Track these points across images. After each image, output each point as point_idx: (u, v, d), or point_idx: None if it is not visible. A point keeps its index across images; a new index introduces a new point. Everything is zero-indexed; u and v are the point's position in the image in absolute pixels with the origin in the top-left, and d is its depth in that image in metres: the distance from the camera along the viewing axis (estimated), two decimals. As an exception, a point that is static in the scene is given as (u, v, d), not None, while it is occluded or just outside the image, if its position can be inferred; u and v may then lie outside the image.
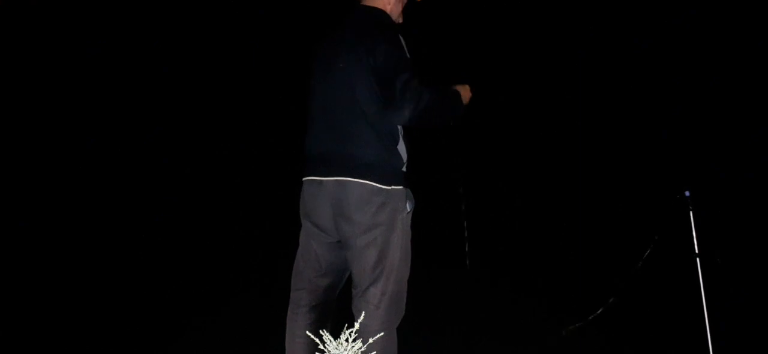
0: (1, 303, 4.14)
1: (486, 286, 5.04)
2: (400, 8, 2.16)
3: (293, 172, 2.27)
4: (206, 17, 5.30)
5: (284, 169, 3.54)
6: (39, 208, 5.04)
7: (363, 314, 1.65)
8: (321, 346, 1.41)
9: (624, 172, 5.47)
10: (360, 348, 1.40)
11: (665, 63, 5.25)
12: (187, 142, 5.52)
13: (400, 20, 2.19)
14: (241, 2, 5.34)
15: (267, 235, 5.27)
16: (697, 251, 2.85)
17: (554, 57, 5.73)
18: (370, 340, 1.48)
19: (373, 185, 1.94)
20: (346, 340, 1.40)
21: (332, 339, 1.40)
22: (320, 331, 1.44)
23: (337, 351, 1.39)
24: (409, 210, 2.02)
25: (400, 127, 2.01)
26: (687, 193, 2.91)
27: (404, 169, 2.03)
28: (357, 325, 1.42)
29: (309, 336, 1.59)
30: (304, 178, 2.09)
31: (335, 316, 2.10)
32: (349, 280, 2.07)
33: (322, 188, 2.01)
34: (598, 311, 3.68)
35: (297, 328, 2.05)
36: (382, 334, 1.75)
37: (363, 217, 1.94)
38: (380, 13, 2.09)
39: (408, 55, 1.98)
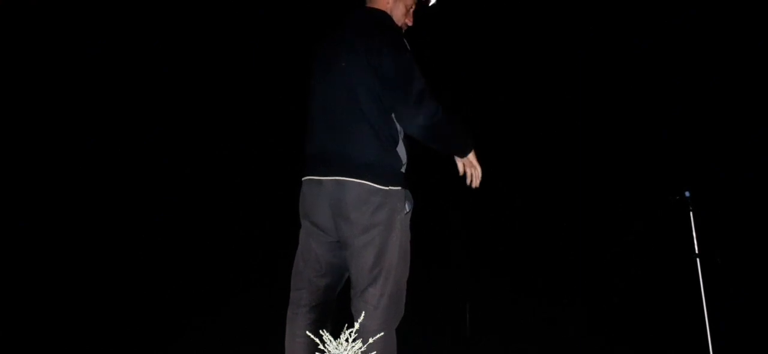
0: (2, 303, 4.14)
1: (486, 286, 5.04)
2: (401, 9, 2.16)
3: (293, 172, 2.27)
4: (206, 17, 5.30)
5: (284, 169, 3.54)
6: (39, 208, 5.03)
7: (362, 314, 1.65)
8: (321, 346, 1.41)
9: (624, 172, 5.46)
10: (360, 348, 1.41)
11: (665, 63, 5.24)
12: (187, 142, 5.51)
13: (409, 22, 2.19)
14: (241, 2, 5.33)
15: (267, 235, 5.26)
16: (697, 251, 2.85)
17: (554, 57, 5.72)
18: (370, 341, 1.48)
19: (371, 185, 1.94)
20: (346, 340, 1.40)
21: (332, 339, 1.41)
22: (320, 331, 1.44)
23: (337, 351, 1.39)
24: (408, 211, 2.03)
25: (400, 129, 2.01)
26: (687, 194, 2.92)
27: (403, 169, 2.03)
28: (356, 326, 1.43)
29: (309, 336, 1.59)
30: (304, 178, 2.09)
31: (335, 316, 2.10)
32: (349, 280, 2.07)
33: (322, 188, 2.01)
34: None
35: (297, 328, 2.05)
36: (382, 334, 1.76)
37: (361, 217, 1.94)
38: (381, 14, 2.09)
39: (412, 55, 1.98)
